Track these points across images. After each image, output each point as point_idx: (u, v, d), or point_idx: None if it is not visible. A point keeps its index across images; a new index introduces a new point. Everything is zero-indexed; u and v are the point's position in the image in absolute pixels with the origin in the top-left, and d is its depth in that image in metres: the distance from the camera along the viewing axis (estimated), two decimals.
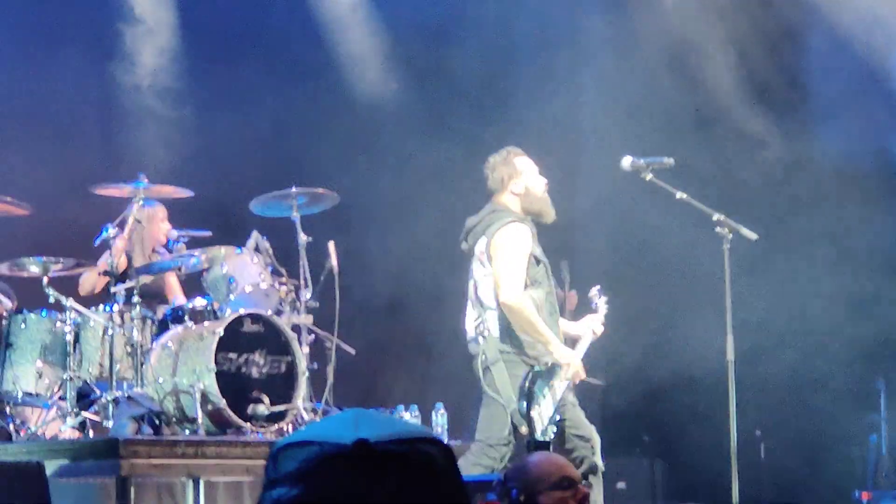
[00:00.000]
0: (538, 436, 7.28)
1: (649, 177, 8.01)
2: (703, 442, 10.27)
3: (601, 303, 7.90)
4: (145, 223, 8.80)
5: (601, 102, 11.12)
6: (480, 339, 7.46)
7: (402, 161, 11.09)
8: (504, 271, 7.35)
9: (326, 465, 1.56)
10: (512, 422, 7.30)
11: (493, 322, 7.41)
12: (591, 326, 7.79)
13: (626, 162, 8.01)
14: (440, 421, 8.92)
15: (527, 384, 7.27)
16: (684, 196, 8.02)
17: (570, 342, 7.71)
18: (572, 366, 7.38)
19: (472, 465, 7.31)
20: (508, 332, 7.37)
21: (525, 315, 7.30)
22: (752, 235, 7.95)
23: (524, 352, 7.35)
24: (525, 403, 7.26)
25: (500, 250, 7.39)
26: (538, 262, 7.49)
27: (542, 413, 7.32)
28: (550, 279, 7.62)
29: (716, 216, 7.94)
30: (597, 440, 7.52)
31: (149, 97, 10.86)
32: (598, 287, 7.97)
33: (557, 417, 7.36)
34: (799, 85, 10.95)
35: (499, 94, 11.51)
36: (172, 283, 9.25)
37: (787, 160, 10.64)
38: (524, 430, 7.27)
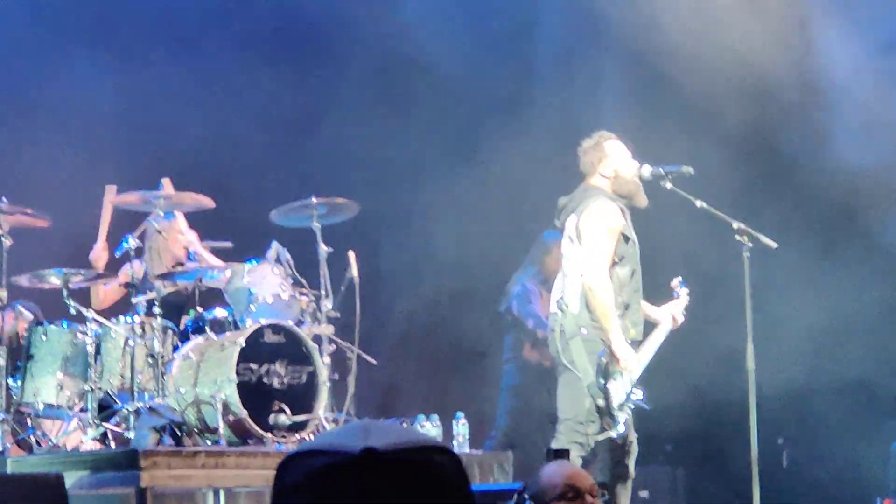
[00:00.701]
0: (614, 409, 7.48)
1: (669, 185, 8.02)
2: (725, 450, 10.25)
3: (682, 293, 8.12)
4: (164, 234, 8.81)
5: (622, 109, 11.10)
6: (559, 313, 7.64)
7: (422, 171, 11.09)
8: (591, 250, 7.57)
9: (334, 474, 1.56)
10: (590, 394, 7.45)
11: (575, 297, 7.59)
12: (671, 312, 8.03)
13: (646, 171, 8.02)
14: (461, 430, 8.91)
15: (603, 360, 7.44)
16: (704, 204, 8.02)
17: (650, 326, 7.93)
18: (627, 362, 7.51)
19: (565, 444, 7.39)
20: (588, 309, 7.54)
21: (600, 299, 7.47)
22: (772, 244, 7.96)
23: (602, 329, 7.51)
24: (602, 378, 7.42)
25: (589, 228, 7.62)
26: (627, 239, 7.70)
27: (619, 388, 7.49)
28: (638, 258, 7.78)
29: (735, 224, 7.94)
30: (636, 447, 7.69)
31: (170, 107, 10.86)
32: (679, 278, 8.18)
33: (634, 394, 7.55)
34: (827, 90, 10.89)
35: (519, 104, 11.49)
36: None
37: (820, 167, 10.57)
38: (601, 402, 7.44)
